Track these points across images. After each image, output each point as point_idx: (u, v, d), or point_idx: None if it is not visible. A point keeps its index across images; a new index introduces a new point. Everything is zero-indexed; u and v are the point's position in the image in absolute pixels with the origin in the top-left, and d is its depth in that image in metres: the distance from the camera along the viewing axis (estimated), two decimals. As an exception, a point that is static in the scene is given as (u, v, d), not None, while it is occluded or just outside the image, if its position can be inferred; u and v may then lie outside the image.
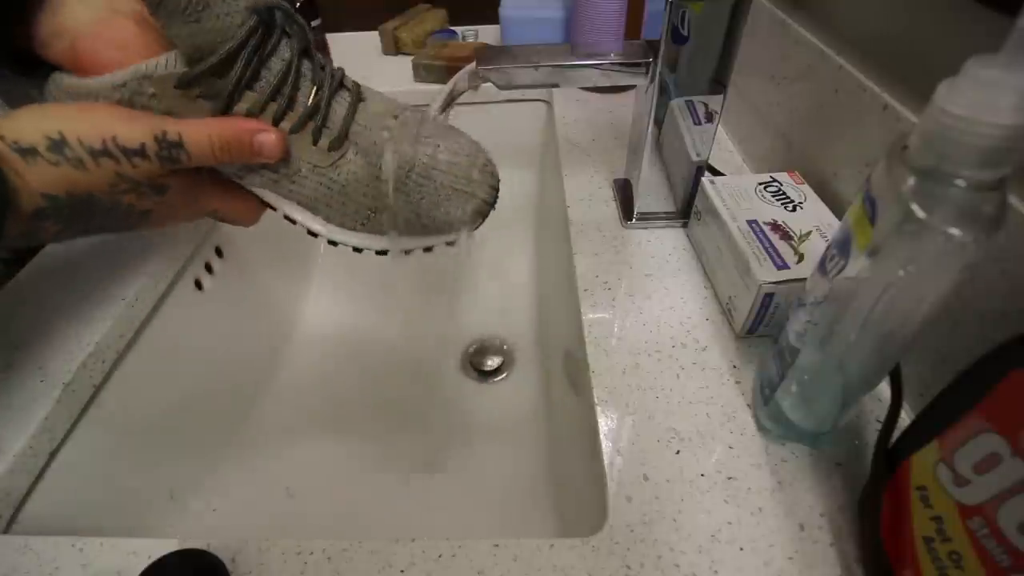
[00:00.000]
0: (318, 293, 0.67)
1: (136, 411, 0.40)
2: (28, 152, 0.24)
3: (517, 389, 0.56)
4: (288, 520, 0.45)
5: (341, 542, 0.28)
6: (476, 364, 0.59)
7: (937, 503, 0.22)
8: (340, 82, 0.31)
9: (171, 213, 0.30)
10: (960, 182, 0.19)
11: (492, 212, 0.33)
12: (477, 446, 0.51)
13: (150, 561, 0.25)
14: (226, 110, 0.28)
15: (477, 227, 0.33)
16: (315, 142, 0.30)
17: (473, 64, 0.37)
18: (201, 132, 0.27)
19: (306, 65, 0.29)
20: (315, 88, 0.29)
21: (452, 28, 0.79)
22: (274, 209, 0.33)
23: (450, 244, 0.33)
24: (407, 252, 0.33)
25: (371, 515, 0.46)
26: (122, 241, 0.44)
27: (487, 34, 0.79)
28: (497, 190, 0.33)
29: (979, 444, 0.20)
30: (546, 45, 0.40)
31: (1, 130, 0.24)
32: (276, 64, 0.28)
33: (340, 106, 0.30)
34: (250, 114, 0.28)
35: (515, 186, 0.72)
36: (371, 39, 0.78)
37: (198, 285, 0.49)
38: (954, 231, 0.19)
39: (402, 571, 0.27)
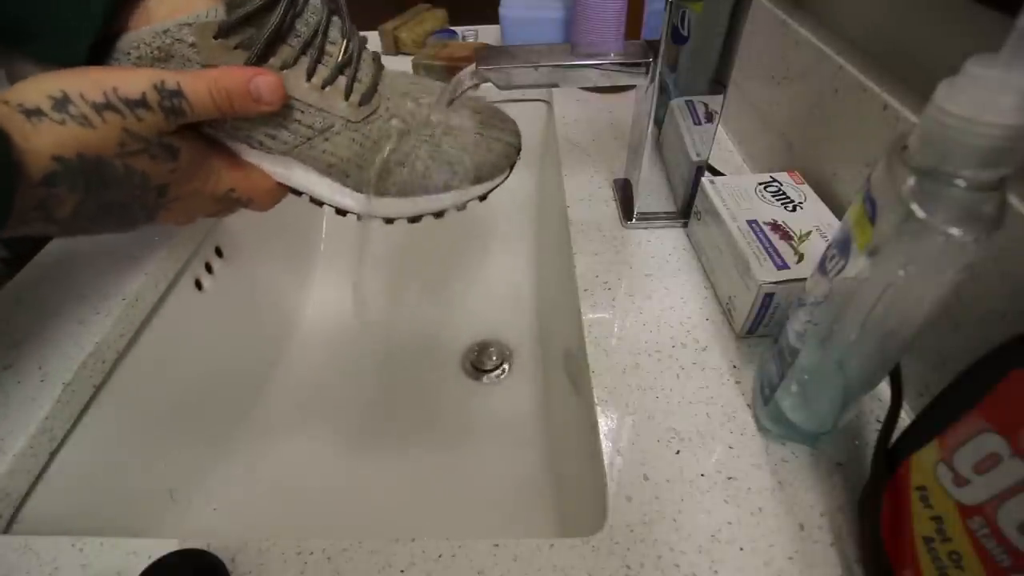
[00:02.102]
0: (318, 293, 0.67)
1: (136, 411, 0.40)
2: (34, 112, 0.24)
3: (517, 389, 0.56)
4: (288, 520, 0.45)
5: (341, 542, 0.28)
6: (476, 364, 0.59)
7: (937, 503, 0.22)
8: (364, 44, 0.32)
9: (188, 191, 0.30)
10: (960, 182, 0.19)
11: (518, 160, 0.34)
12: (477, 446, 0.51)
13: (150, 561, 0.25)
14: (260, 62, 0.28)
15: (507, 177, 0.34)
16: (347, 96, 0.30)
17: (473, 64, 0.37)
18: (199, 80, 0.27)
19: (335, 21, 0.30)
20: (346, 41, 0.30)
21: (452, 28, 0.79)
22: (298, 194, 0.33)
23: (482, 198, 0.34)
24: (439, 214, 0.33)
25: (371, 515, 0.46)
26: (123, 240, 0.44)
27: (487, 34, 0.79)
28: (520, 138, 0.34)
29: (979, 444, 0.20)
30: (546, 45, 0.40)
31: (6, 96, 0.24)
32: (311, 17, 0.29)
33: (368, 63, 0.31)
34: (284, 67, 0.29)
35: (515, 186, 0.72)
36: (371, 39, 0.78)
37: (198, 285, 0.49)
38: (954, 231, 0.19)
39: (402, 571, 0.27)
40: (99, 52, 0.27)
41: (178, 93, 0.27)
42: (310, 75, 0.29)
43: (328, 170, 0.31)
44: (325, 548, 0.28)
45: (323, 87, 0.30)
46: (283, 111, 0.30)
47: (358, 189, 0.32)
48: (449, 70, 0.67)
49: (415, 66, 0.69)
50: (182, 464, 0.44)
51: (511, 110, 0.70)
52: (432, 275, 0.66)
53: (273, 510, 0.46)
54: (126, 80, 0.26)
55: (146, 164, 0.28)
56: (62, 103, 0.25)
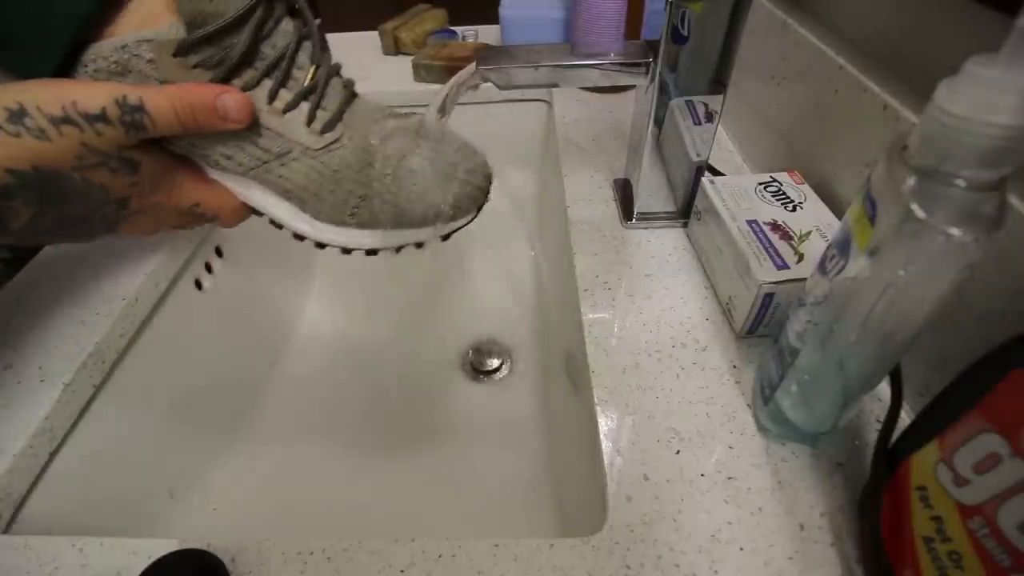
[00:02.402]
0: (318, 293, 0.67)
1: (136, 411, 0.40)
2: None
3: (517, 389, 0.56)
4: (288, 520, 0.45)
5: (341, 542, 0.28)
6: (476, 364, 0.59)
7: (937, 503, 0.22)
8: (338, 71, 0.31)
9: (151, 204, 0.30)
10: (960, 182, 0.19)
11: (486, 204, 0.32)
12: (477, 446, 0.51)
13: (150, 561, 0.25)
14: (221, 83, 0.28)
15: (472, 219, 0.32)
16: (309, 123, 0.29)
17: (473, 64, 0.37)
18: (163, 95, 0.26)
19: (305, 46, 0.29)
20: (314, 67, 0.29)
21: (452, 28, 0.79)
22: (260, 214, 0.32)
23: (445, 238, 0.32)
24: (398, 250, 0.32)
25: (371, 515, 0.46)
26: (123, 240, 0.44)
27: (487, 34, 0.79)
28: (490, 181, 0.32)
29: (979, 444, 0.20)
30: (546, 45, 0.40)
31: None
32: (279, 40, 0.28)
33: (335, 91, 0.30)
34: (245, 88, 0.28)
35: (515, 186, 0.73)
36: (371, 39, 0.78)
37: (198, 285, 0.49)
38: (954, 231, 0.19)
39: (402, 571, 0.27)
40: (68, 64, 0.27)
41: (139, 108, 0.26)
42: (271, 98, 0.28)
43: (286, 195, 0.30)
44: (325, 548, 0.28)
45: (284, 112, 0.29)
46: (241, 132, 0.29)
47: (316, 217, 0.31)
48: (449, 70, 0.67)
49: (415, 66, 0.69)
50: (182, 464, 0.44)
51: (512, 110, 0.71)
52: (432, 275, 0.66)
53: (273, 510, 0.46)
54: (86, 94, 0.25)
55: (105, 178, 0.27)
56: (18, 115, 0.24)
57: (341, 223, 0.31)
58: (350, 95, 0.31)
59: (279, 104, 0.29)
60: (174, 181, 0.30)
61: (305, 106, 0.29)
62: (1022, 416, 0.18)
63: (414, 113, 0.33)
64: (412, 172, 0.30)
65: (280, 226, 0.32)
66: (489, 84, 0.38)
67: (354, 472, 0.50)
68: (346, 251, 0.32)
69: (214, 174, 0.31)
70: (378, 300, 0.66)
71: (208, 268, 0.50)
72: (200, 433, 0.47)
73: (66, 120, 0.25)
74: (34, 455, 0.33)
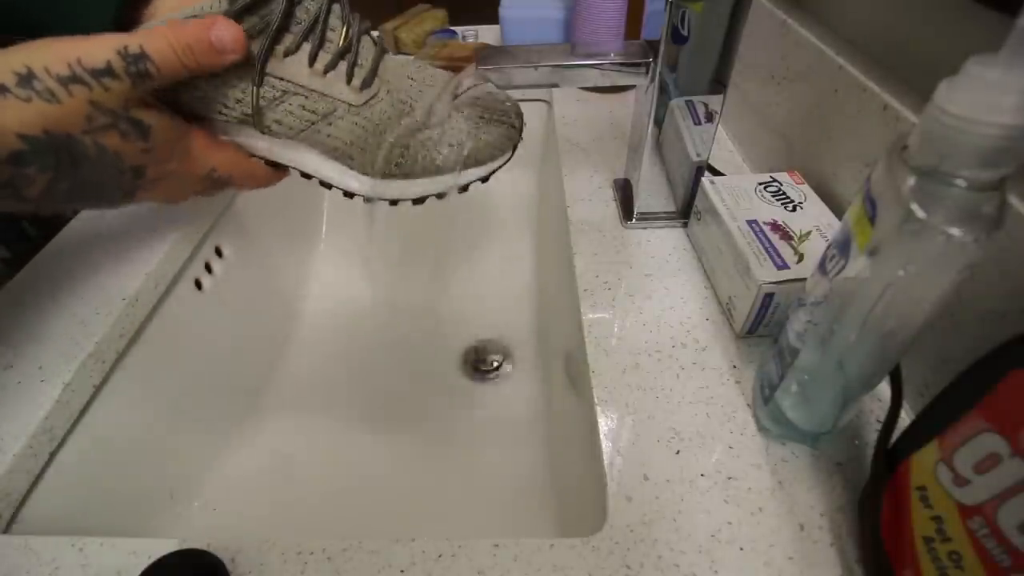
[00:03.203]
0: (318, 294, 0.67)
1: (136, 411, 0.40)
2: None
3: (517, 389, 0.56)
4: (288, 520, 0.45)
5: (341, 542, 0.28)
6: (476, 364, 0.59)
7: (937, 503, 0.22)
8: (368, 29, 0.33)
9: (167, 172, 0.30)
10: (960, 182, 0.19)
11: (520, 142, 0.35)
12: (477, 446, 0.51)
13: (150, 561, 0.25)
14: (270, 51, 0.29)
15: (509, 159, 0.35)
16: (349, 81, 0.31)
17: (473, 64, 0.37)
18: (161, 38, 0.27)
19: (335, 8, 0.31)
20: (345, 27, 0.31)
21: (452, 28, 0.79)
22: (309, 177, 0.34)
23: (484, 180, 0.34)
24: (440, 196, 0.34)
25: (371, 515, 0.46)
26: (123, 240, 0.44)
27: (487, 34, 0.79)
28: (522, 119, 0.35)
29: (979, 444, 0.20)
30: (546, 45, 0.40)
31: None
32: (311, 4, 0.30)
33: (368, 48, 0.32)
34: (287, 54, 0.30)
35: (515, 186, 0.72)
36: (371, 39, 0.78)
37: (198, 285, 0.49)
38: (954, 231, 0.19)
39: (402, 571, 0.27)
40: None
41: (142, 56, 0.26)
42: (312, 61, 0.30)
43: (333, 153, 0.32)
44: (325, 548, 0.28)
45: (325, 73, 0.30)
46: (287, 97, 0.30)
47: (363, 171, 0.33)
48: (449, 70, 0.67)
49: (415, 66, 0.69)
50: (182, 464, 0.44)
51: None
52: (432, 275, 0.66)
53: (273, 510, 0.46)
54: (89, 49, 0.26)
55: (116, 142, 0.27)
56: (27, 79, 0.24)
57: (388, 174, 0.33)
58: (381, 51, 0.33)
59: (319, 66, 0.30)
60: (188, 147, 0.31)
61: (343, 65, 0.31)
62: (1022, 416, 0.18)
63: (440, 68, 0.36)
64: (451, 118, 0.32)
65: (329, 186, 0.34)
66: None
67: (354, 472, 0.50)
68: (393, 203, 0.34)
69: (261, 141, 0.33)
70: (378, 300, 0.66)
71: (208, 268, 0.50)
72: (200, 433, 0.47)
73: (74, 78, 0.25)
74: (34, 455, 0.33)
